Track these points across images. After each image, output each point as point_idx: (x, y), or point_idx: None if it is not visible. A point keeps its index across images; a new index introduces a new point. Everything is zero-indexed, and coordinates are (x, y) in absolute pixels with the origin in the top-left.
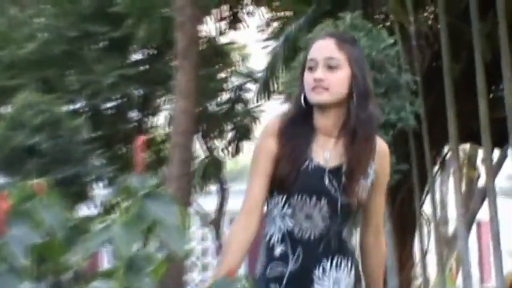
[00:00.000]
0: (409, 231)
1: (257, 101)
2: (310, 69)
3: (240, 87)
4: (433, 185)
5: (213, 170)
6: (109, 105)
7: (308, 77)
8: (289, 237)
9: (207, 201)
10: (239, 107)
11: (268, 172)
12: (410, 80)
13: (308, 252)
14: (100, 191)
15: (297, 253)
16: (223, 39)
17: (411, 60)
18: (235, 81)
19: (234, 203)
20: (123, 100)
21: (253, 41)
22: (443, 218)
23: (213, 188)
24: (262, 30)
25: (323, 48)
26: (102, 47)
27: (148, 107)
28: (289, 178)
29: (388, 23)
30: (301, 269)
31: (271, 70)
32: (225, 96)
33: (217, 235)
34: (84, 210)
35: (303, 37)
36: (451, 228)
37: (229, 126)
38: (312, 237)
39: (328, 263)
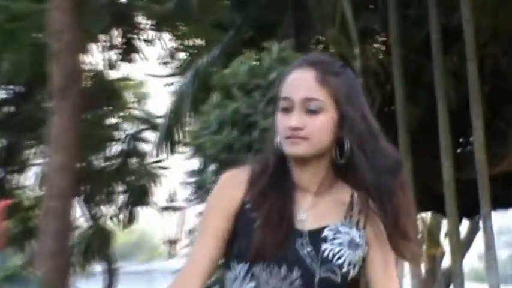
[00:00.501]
0: None
1: (157, 155)
2: (285, 110)
3: (135, 137)
4: None
5: (98, 245)
6: None
7: (282, 121)
8: None
9: (90, 286)
10: (134, 162)
11: (222, 232)
12: None
13: None
14: None
15: None
16: (113, 74)
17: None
18: (129, 128)
19: None
20: None
21: (152, 76)
22: None
23: (98, 268)
24: (165, 63)
25: (300, 85)
26: None
27: (13, 162)
28: (268, 242)
29: None
30: None
31: (175, 115)
32: (115, 148)
33: None
34: None
35: (217, 73)
36: None
37: (120, 188)
38: None
39: None
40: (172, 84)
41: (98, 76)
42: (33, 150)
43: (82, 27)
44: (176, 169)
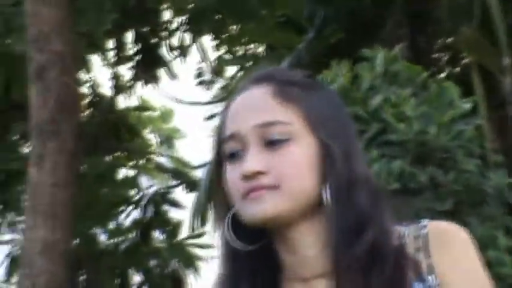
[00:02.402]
0: None
1: (195, 227)
2: (233, 157)
3: (160, 198)
4: None
5: None
6: None
7: (231, 174)
8: None
9: None
10: (158, 237)
11: None
12: (506, 183)
13: None
14: None
15: None
16: (126, 101)
17: (506, 145)
18: (150, 185)
19: None
20: None
21: (186, 104)
22: None
23: None
24: (205, 83)
25: (250, 107)
26: None
27: None
28: None
29: (460, 70)
30: None
31: None
32: (129, 216)
33: None
34: None
35: None
36: None
37: (137, 277)
38: None
39: None
40: (216, 115)
41: (103, 104)
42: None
43: (78, 28)
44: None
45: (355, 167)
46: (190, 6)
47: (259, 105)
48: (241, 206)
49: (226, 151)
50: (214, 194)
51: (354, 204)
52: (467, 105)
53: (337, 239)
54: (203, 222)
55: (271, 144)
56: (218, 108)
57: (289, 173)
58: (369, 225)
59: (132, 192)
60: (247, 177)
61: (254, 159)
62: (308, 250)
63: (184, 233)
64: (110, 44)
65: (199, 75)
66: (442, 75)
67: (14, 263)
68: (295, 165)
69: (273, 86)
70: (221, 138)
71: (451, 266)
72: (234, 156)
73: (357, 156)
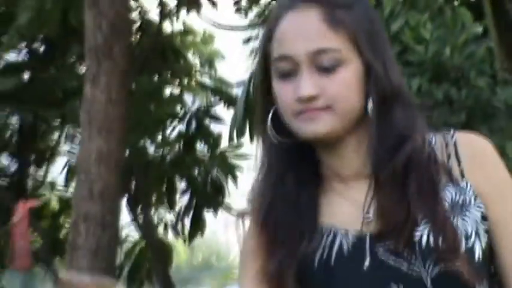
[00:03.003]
0: None
1: (233, 139)
2: (285, 76)
3: (203, 113)
4: None
5: (152, 264)
6: None
7: (284, 92)
8: None
9: None
10: (201, 148)
11: (258, 281)
12: None
13: None
14: None
15: None
16: (172, 26)
17: None
18: (193, 101)
19: None
20: None
21: (226, 29)
22: None
23: None
24: (243, 10)
25: (302, 32)
26: None
27: (32, 149)
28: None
29: None
30: None
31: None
32: (175, 129)
33: None
34: None
35: None
36: None
37: (182, 184)
38: None
39: None
40: (252, 39)
41: (151, 29)
42: (58, 133)
43: None
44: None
45: (393, 80)
46: None
47: (310, 31)
48: (293, 123)
49: (277, 69)
50: (255, 97)
51: (394, 114)
52: (479, 29)
53: (378, 145)
54: (241, 135)
55: (323, 69)
56: (254, 32)
57: (340, 95)
58: (407, 132)
59: (177, 108)
60: (302, 99)
61: (308, 84)
62: (350, 154)
63: (224, 144)
64: None
65: (237, 2)
66: (456, 1)
67: (72, 171)
68: (345, 88)
69: (320, 9)
70: (271, 55)
71: (483, 176)
72: (285, 75)
73: (394, 70)
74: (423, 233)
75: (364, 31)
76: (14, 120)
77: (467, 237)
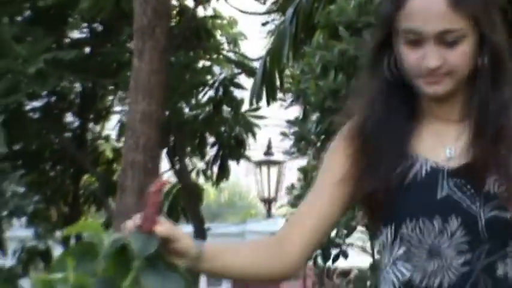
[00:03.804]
0: None
1: (253, 102)
2: (412, 43)
3: (228, 82)
4: None
5: (186, 203)
6: (35, 104)
7: (411, 58)
8: None
9: None
10: (227, 110)
11: (338, 184)
12: None
13: None
14: (17, 232)
15: None
16: (204, 11)
17: None
18: (221, 72)
19: None
20: (55, 98)
21: (247, 14)
22: None
23: (186, 229)
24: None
25: (430, 14)
26: (26, 19)
27: (91, 109)
28: (382, 195)
29: None
30: None
31: (274, 57)
32: (206, 94)
33: None
34: None
35: (322, 9)
36: None
37: (211, 139)
38: (446, 284)
39: None
40: (269, 22)
41: (186, 13)
42: (113, 97)
43: None
44: (275, 118)
45: (502, 48)
46: None
47: (438, 13)
48: (416, 81)
49: (405, 37)
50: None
51: (503, 68)
52: None
53: (484, 94)
54: (259, 100)
55: (446, 43)
56: (270, 17)
57: (459, 64)
58: (507, 84)
59: (208, 77)
60: (429, 69)
61: (434, 57)
62: (451, 103)
63: (245, 107)
64: None
65: None
66: None
67: (123, 127)
68: (463, 58)
69: None
70: (398, 23)
71: None
72: (412, 43)
73: (503, 39)
74: (491, 181)
75: (482, 10)
76: (77, 86)
77: None
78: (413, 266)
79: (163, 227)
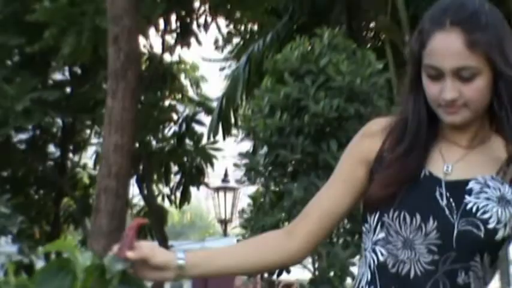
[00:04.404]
0: None
1: (211, 137)
2: (433, 77)
3: (190, 119)
4: None
5: (153, 223)
6: (21, 136)
7: (432, 89)
8: (380, 272)
9: None
10: (188, 143)
11: (354, 179)
12: None
13: None
14: (5, 248)
15: None
16: (169, 58)
17: None
18: (184, 110)
19: None
20: (38, 131)
21: (207, 60)
22: None
23: None
24: (220, 48)
25: (449, 53)
26: (14, 63)
27: (71, 141)
28: (388, 192)
29: (377, 43)
30: None
31: (229, 98)
32: (171, 129)
33: None
34: None
35: (270, 58)
36: None
37: (175, 168)
38: (413, 274)
39: None
40: (226, 68)
41: (155, 59)
42: (90, 130)
43: (140, 12)
44: (229, 151)
45: None
46: None
47: (454, 51)
48: (437, 110)
49: (427, 72)
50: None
51: None
52: (380, 65)
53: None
54: (216, 134)
55: (463, 78)
56: (227, 64)
57: (474, 98)
58: None
59: (173, 114)
60: (446, 101)
61: (451, 90)
62: (459, 131)
63: (204, 141)
64: (161, 21)
65: (215, 42)
66: (364, 46)
67: (98, 157)
68: (478, 93)
69: (462, 32)
70: (423, 58)
71: None
72: (433, 77)
73: None
74: (473, 202)
75: (496, 46)
76: (59, 121)
77: (498, 222)
78: (388, 252)
79: (136, 252)
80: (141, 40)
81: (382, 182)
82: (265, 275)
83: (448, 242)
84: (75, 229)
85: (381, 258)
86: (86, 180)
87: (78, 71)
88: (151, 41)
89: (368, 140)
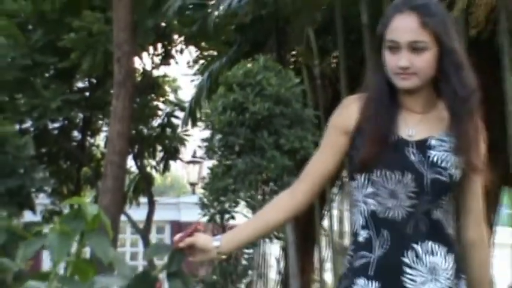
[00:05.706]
0: (310, 242)
1: (184, 127)
2: (392, 49)
3: (170, 114)
4: (331, 204)
5: (143, 185)
6: (54, 126)
7: (390, 60)
8: (372, 219)
9: (137, 212)
10: (169, 131)
11: (339, 146)
12: (313, 114)
13: (395, 234)
14: (42, 200)
15: (382, 236)
16: (156, 73)
17: (315, 98)
18: (165, 109)
19: (160, 214)
20: (66, 122)
21: (182, 75)
22: (340, 231)
23: (143, 200)
24: (191, 66)
25: (405, 29)
26: (50, 75)
27: (88, 129)
28: (370, 154)
29: (297, 65)
30: (389, 255)
31: (196, 101)
32: (156, 121)
33: (146, 242)
34: (29, 217)
35: (224, 74)
36: (346, 240)
37: (159, 148)
38: (399, 217)
39: (419, 248)
40: (195, 80)
41: (146, 74)
42: (101, 122)
43: (136, 41)
44: (196, 137)
45: (460, 56)
46: (185, 33)
47: (410, 29)
48: (393, 78)
49: (388, 46)
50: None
51: (465, 76)
52: (298, 80)
53: (455, 96)
54: (187, 125)
55: (415, 50)
56: (195, 77)
57: (423, 68)
58: (469, 88)
59: (158, 111)
60: (401, 67)
61: (406, 59)
62: (416, 98)
63: (179, 129)
64: (150, 48)
65: (188, 62)
66: (282, 66)
67: (107, 140)
68: (427, 64)
69: (417, 16)
70: (386, 37)
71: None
72: (392, 49)
73: (461, 49)
74: (435, 154)
75: (442, 29)
76: (80, 115)
77: (456, 168)
78: (377, 202)
79: (186, 241)
80: (137, 60)
81: (363, 148)
82: (218, 220)
83: (422, 189)
84: (91, 188)
85: (372, 207)
86: (99, 155)
87: (94, 80)
88: (144, 61)
89: (345, 110)
